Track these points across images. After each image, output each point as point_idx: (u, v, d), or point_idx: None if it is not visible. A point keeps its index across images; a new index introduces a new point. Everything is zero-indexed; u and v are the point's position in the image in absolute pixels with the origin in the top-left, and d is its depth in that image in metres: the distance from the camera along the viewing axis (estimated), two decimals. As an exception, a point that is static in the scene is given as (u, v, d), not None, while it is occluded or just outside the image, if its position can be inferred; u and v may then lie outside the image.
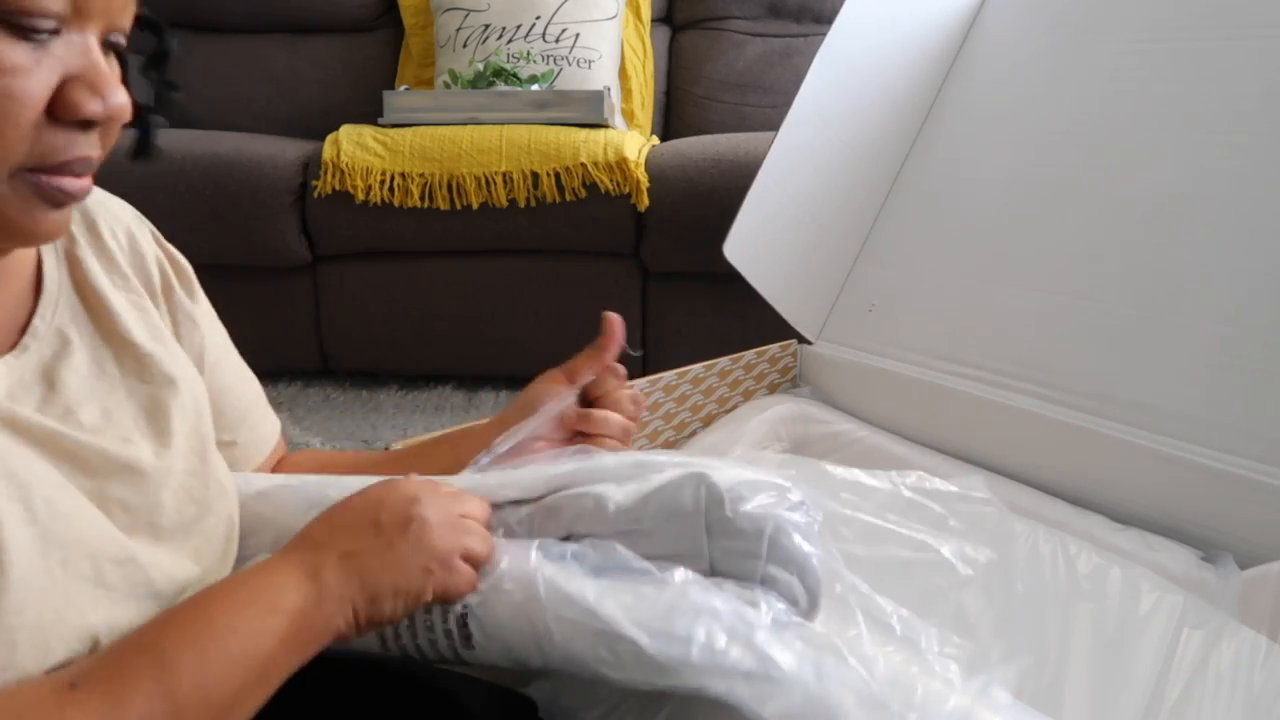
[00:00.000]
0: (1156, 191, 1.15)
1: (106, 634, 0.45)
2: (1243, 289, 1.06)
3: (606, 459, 0.55)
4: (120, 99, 0.46)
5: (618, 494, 0.52)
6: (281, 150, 1.85)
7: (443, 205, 1.77)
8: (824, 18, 2.29)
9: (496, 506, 0.55)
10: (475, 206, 1.77)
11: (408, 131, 1.80)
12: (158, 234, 0.62)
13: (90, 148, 0.46)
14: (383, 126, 1.85)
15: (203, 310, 0.64)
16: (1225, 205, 1.09)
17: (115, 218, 0.58)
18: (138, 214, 0.61)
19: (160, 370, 0.54)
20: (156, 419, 0.53)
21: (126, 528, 0.49)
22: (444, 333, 1.91)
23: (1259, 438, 1.01)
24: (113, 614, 0.46)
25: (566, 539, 0.52)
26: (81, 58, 0.45)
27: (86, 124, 0.45)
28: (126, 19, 0.48)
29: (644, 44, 2.36)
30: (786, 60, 2.32)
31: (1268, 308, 1.04)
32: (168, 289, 0.60)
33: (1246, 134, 1.10)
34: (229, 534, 0.57)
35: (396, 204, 1.77)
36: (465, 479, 0.58)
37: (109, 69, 0.46)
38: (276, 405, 1.85)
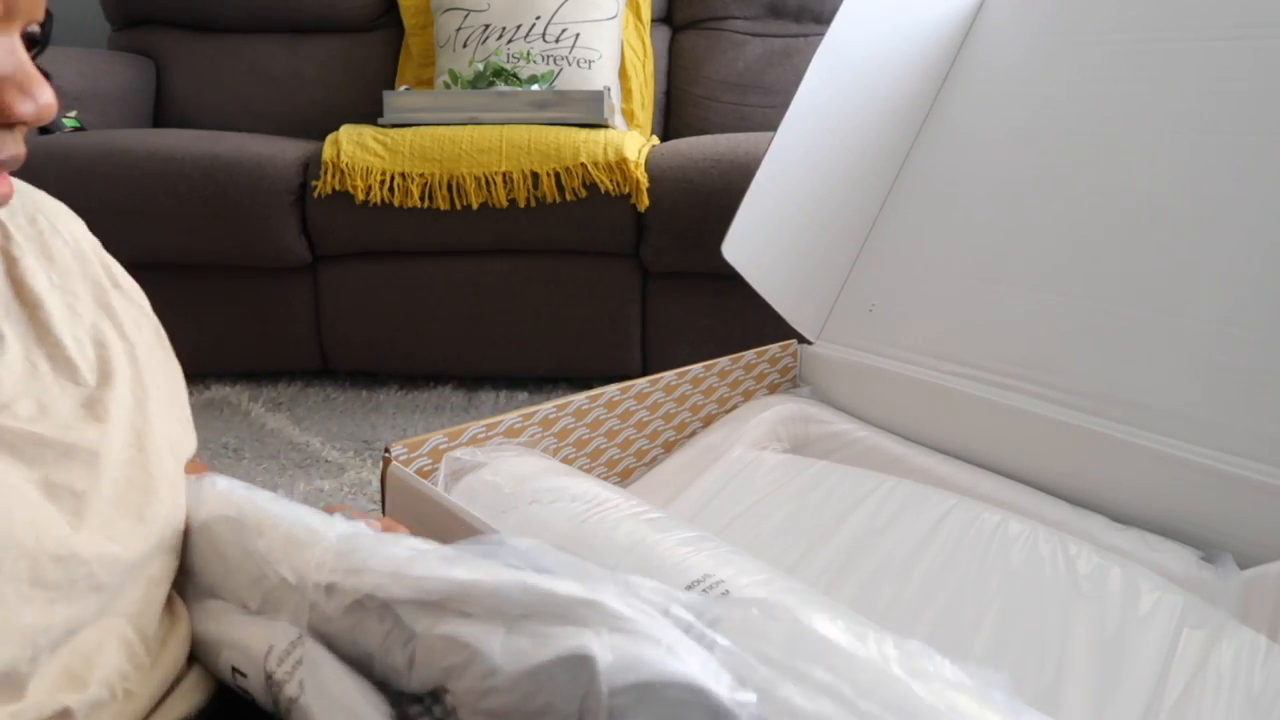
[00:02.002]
0: (1156, 191, 1.15)
1: (44, 634, 0.44)
2: (1242, 289, 1.06)
3: (505, 579, 0.47)
4: (48, 97, 0.45)
5: (497, 653, 0.45)
6: (281, 150, 1.85)
7: (443, 205, 1.77)
8: (824, 18, 2.30)
9: (389, 602, 0.49)
10: (475, 206, 1.77)
11: (408, 131, 1.80)
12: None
13: (17, 146, 0.45)
14: (383, 126, 1.85)
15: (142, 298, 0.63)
16: (1225, 204, 1.09)
17: (55, 213, 0.57)
18: (69, 209, 0.60)
19: (92, 372, 0.53)
20: (93, 409, 0.52)
21: (77, 513, 0.48)
22: (444, 333, 1.91)
23: (1259, 438, 1.01)
24: (50, 613, 0.45)
25: (445, 691, 0.46)
26: (9, 58, 0.44)
27: (13, 124, 0.45)
28: (43, 9, 0.47)
29: (644, 44, 2.36)
30: (786, 60, 2.32)
31: (1267, 307, 1.04)
32: (115, 279, 0.59)
33: (1247, 133, 1.10)
34: (176, 532, 0.55)
35: (396, 204, 1.77)
36: (366, 549, 0.52)
37: (32, 66, 0.45)
38: (276, 405, 1.87)
